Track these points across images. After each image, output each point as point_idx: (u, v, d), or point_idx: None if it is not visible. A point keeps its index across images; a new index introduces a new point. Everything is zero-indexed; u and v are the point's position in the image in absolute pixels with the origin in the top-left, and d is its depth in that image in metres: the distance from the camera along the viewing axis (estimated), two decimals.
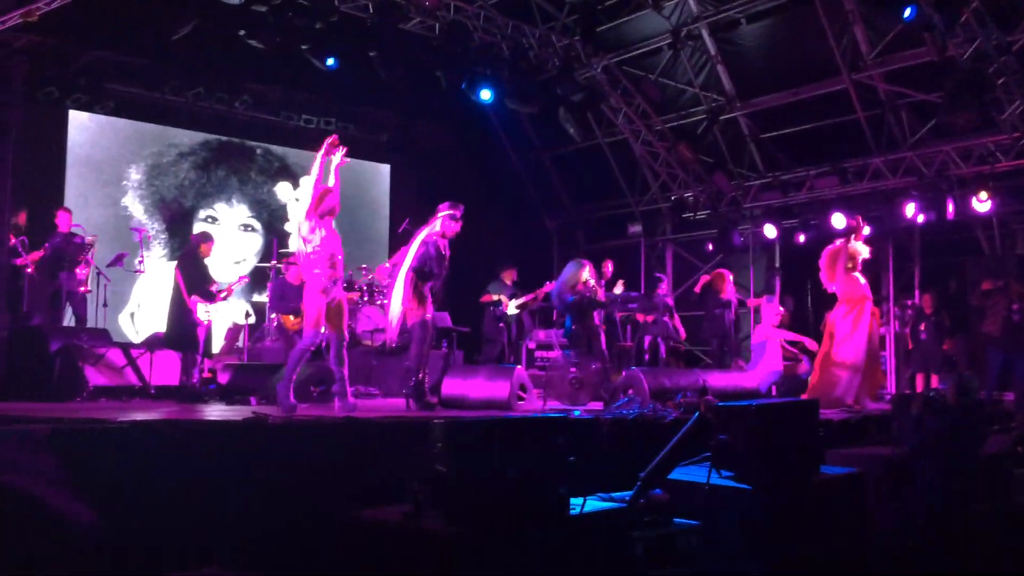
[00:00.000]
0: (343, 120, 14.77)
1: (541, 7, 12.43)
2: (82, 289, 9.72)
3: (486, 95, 11.76)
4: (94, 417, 5.03)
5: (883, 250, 11.60)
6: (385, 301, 10.37)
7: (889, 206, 11.65)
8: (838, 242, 9.11)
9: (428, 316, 7.01)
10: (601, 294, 8.97)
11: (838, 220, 11.69)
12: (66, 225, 9.78)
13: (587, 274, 8.74)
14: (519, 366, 8.69)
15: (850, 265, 8.85)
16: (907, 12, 9.22)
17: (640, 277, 14.71)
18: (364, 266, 11.21)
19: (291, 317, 9.45)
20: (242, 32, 9.94)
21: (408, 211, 13.75)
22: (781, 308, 10.70)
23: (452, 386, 7.40)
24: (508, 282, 10.84)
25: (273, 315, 9.92)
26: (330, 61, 10.63)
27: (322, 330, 6.31)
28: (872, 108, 11.74)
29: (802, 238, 12.41)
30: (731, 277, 11.15)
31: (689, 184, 13.96)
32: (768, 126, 12.95)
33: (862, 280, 8.93)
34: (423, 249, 7.03)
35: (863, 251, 9.13)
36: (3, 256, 8.63)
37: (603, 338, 8.74)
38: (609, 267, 11.32)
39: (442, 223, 7.11)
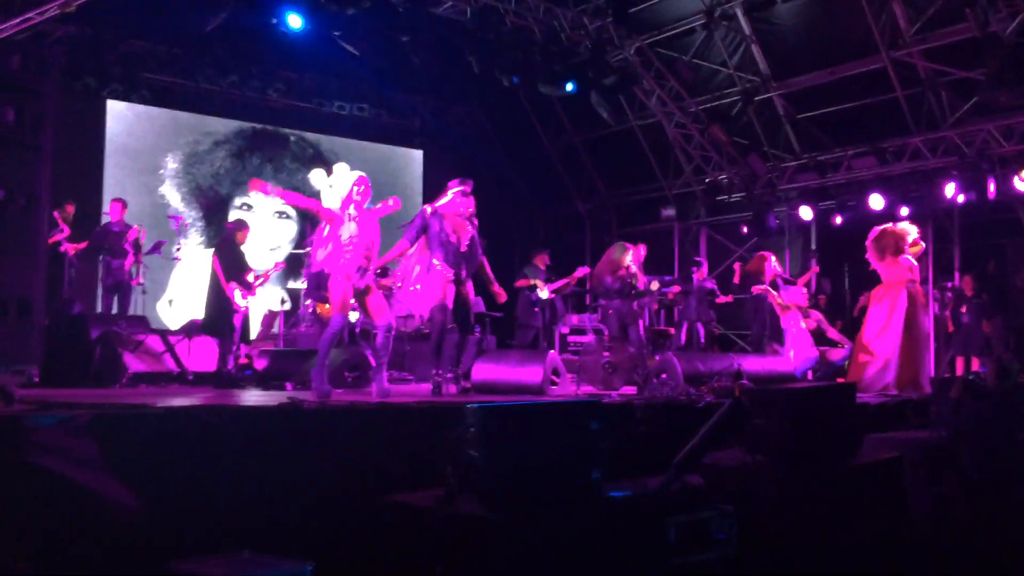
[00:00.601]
0: (375, 107, 14.84)
1: None
2: (134, 281, 9.85)
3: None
4: (134, 403, 5.11)
5: (923, 231, 11.38)
6: (418, 286, 10.45)
7: (929, 186, 11.46)
8: (890, 225, 9.02)
9: (436, 301, 6.79)
10: (641, 280, 8.88)
11: (876, 201, 11.52)
12: (117, 215, 9.89)
13: (629, 258, 8.66)
14: (552, 351, 8.68)
15: (898, 247, 8.72)
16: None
17: (674, 261, 14.61)
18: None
19: (326, 304, 9.51)
20: (274, 20, 9.98)
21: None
22: (804, 290, 10.48)
23: (485, 371, 7.41)
24: (542, 266, 10.81)
25: (308, 301, 10.00)
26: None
27: (353, 315, 6.30)
28: (911, 86, 11.52)
29: (839, 220, 12.24)
30: (773, 258, 10.98)
31: (723, 166, 13.82)
32: (804, 106, 12.76)
33: (911, 263, 8.80)
34: (415, 221, 6.96)
35: (912, 232, 9.00)
36: (44, 245, 8.76)
37: (640, 323, 8.67)
38: (642, 251, 11.24)
39: (451, 199, 6.94)
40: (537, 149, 15.92)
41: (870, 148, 12.01)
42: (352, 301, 6.38)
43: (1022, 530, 5.07)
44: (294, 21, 10.05)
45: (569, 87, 11.89)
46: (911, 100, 11.62)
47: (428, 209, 6.99)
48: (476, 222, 7.06)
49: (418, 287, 6.91)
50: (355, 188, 6.36)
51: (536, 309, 10.51)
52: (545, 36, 12.02)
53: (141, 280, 10.02)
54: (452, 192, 6.96)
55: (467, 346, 7.40)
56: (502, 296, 7.44)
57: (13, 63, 4.58)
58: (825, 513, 4.69)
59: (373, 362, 8.20)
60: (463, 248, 6.91)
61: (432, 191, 15.09)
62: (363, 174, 6.50)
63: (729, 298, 11.70)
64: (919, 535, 5.18)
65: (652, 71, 13.31)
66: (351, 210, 6.33)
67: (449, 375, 6.95)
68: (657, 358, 8.05)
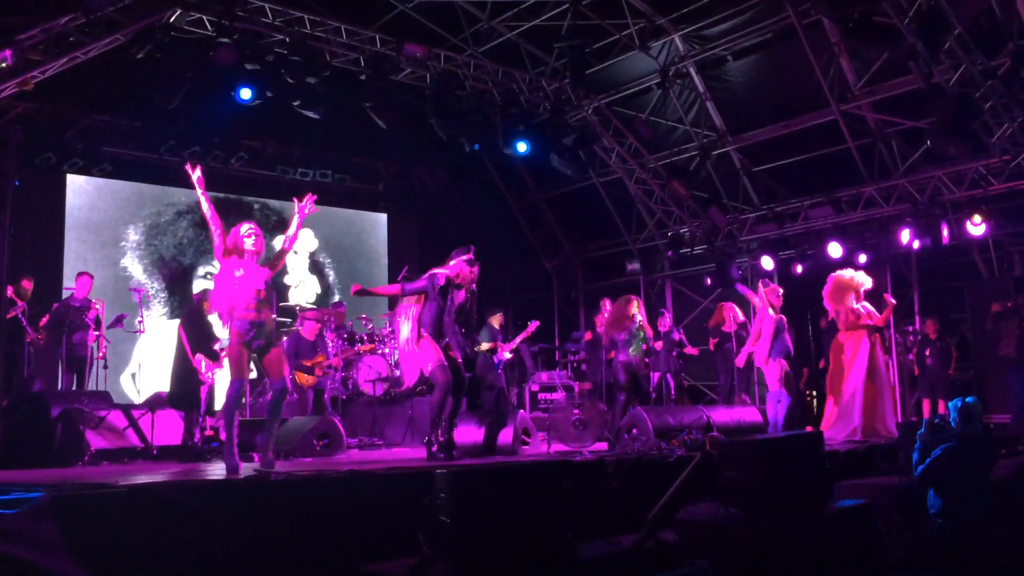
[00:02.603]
0: (338, 172, 14.92)
1: (530, 52, 12.60)
2: (98, 356, 9.65)
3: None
4: (96, 481, 5.00)
5: (881, 277, 11.60)
6: (386, 350, 10.40)
7: (884, 233, 11.69)
8: (843, 273, 9.14)
9: (435, 363, 6.71)
10: (648, 331, 8.87)
11: (834, 249, 11.73)
12: (84, 290, 9.74)
13: (636, 308, 8.62)
14: (522, 410, 8.65)
15: (852, 295, 8.87)
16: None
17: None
18: (363, 315, 11.22)
19: (302, 371, 9.36)
20: (231, 93, 10.07)
21: (407, 258, 13.85)
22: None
23: (455, 434, 7.35)
24: (496, 326, 10.83)
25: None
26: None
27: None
28: (862, 137, 11.84)
29: (799, 268, 12.43)
30: (734, 308, 11.09)
31: (685, 220, 14.03)
32: (760, 159, 13.05)
33: (868, 310, 8.94)
34: (424, 280, 6.89)
35: (866, 281, 9.15)
36: (2, 324, 8.62)
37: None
38: (607, 306, 11.33)
39: (457, 267, 6.93)
40: (501, 208, 16.07)
41: (826, 198, 12.27)
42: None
43: (994, 572, 5.09)
44: (245, 94, 10.15)
45: (523, 148, 12.09)
46: (863, 150, 11.93)
47: (442, 277, 6.87)
48: (475, 289, 7.09)
49: (413, 349, 6.81)
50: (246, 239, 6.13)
51: (499, 370, 10.49)
52: (504, 98, 12.23)
53: (104, 355, 9.86)
54: (456, 260, 6.97)
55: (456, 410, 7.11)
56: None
57: None
58: (801, 562, 4.68)
59: (343, 430, 8.14)
60: (451, 317, 6.86)
61: (397, 253, 15.22)
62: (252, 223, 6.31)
63: (695, 351, 11.77)
64: None
65: (611, 129, 13.56)
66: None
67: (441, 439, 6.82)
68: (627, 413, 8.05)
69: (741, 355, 9.59)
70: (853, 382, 8.63)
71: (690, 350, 11.67)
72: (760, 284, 9.44)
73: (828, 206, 12.26)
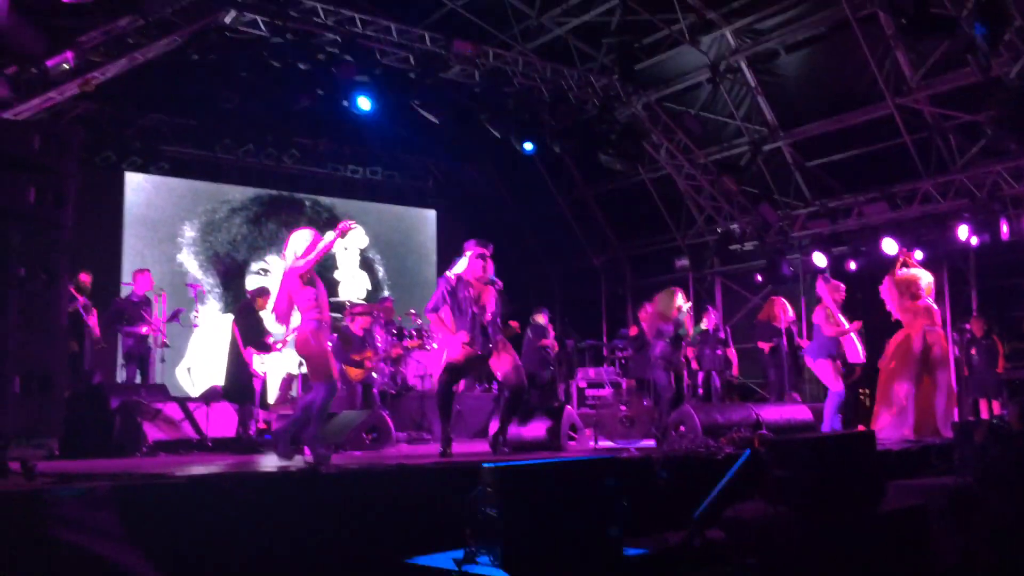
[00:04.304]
0: (388, 168, 15.09)
1: (579, 48, 12.58)
2: (158, 344, 9.87)
3: (528, 146, 11.97)
4: (153, 472, 5.14)
5: (938, 275, 11.37)
6: (435, 345, 10.48)
7: (941, 229, 11.45)
8: (900, 271, 8.95)
9: (453, 359, 6.64)
10: (689, 326, 8.68)
11: (889, 246, 11.51)
12: (143, 287, 9.97)
13: (681, 299, 8.30)
14: (569, 405, 8.66)
15: (910, 293, 8.68)
16: None
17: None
18: (412, 311, 11.32)
19: (351, 365, 9.48)
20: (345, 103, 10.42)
21: (456, 255, 13.90)
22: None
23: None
24: (542, 323, 10.84)
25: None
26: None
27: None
28: (919, 131, 11.59)
29: (853, 265, 12.22)
30: (784, 303, 10.92)
31: (735, 216, 13.88)
32: (813, 154, 12.85)
33: (926, 305, 8.73)
34: (439, 288, 6.78)
35: (922, 276, 8.92)
36: (64, 319, 8.86)
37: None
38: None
39: (469, 263, 6.74)
40: (550, 205, 16.07)
41: (881, 193, 12.05)
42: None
43: None
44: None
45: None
46: (919, 144, 11.68)
47: (452, 277, 6.73)
48: (500, 284, 6.79)
49: (435, 346, 6.90)
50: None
51: (551, 367, 10.51)
52: (553, 95, 12.23)
53: (166, 342, 10.06)
54: (468, 255, 6.78)
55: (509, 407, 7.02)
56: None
57: (34, 143, 4.72)
58: (850, 563, 4.62)
59: (392, 424, 8.23)
60: (486, 318, 6.66)
61: (446, 249, 15.31)
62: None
63: (734, 355, 11.56)
64: None
65: (660, 125, 13.47)
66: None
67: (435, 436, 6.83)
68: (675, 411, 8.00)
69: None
70: (905, 383, 8.46)
71: (731, 353, 11.47)
72: (820, 280, 9.25)
73: (883, 202, 12.04)
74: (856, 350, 9.03)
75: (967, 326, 11.32)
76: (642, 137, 13.14)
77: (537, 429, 7.22)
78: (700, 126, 12.95)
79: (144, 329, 9.63)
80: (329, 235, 6.41)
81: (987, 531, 5.34)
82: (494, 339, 6.71)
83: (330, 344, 6.45)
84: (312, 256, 6.25)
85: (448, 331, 6.67)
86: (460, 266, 6.79)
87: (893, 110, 11.44)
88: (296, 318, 6.32)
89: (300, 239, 6.37)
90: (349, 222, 6.45)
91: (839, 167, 12.70)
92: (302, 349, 6.27)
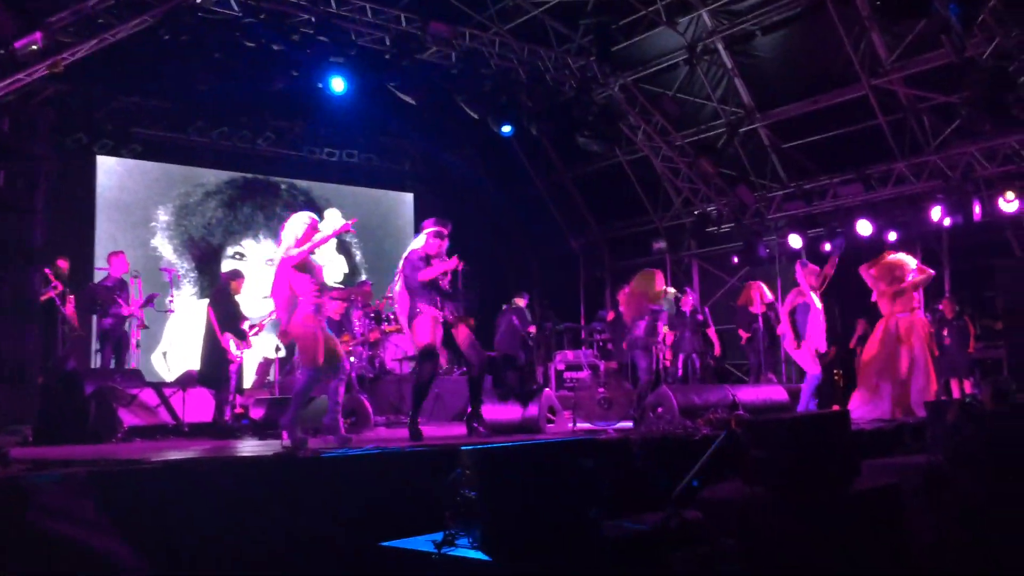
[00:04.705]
0: (365, 151, 14.98)
1: (556, 29, 12.52)
2: (136, 326, 9.79)
3: (506, 128, 11.94)
4: (130, 458, 5.10)
5: (911, 255, 11.46)
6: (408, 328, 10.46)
7: (915, 211, 11.56)
8: (889, 255, 9.03)
9: (426, 340, 6.68)
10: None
11: (864, 227, 11.60)
12: (118, 269, 9.86)
13: (664, 281, 8.54)
14: (547, 388, 8.68)
15: (893, 276, 8.74)
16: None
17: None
18: (390, 295, 11.28)
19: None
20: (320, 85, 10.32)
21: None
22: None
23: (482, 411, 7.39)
24: (522, 306, 10.86)
25: None
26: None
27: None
28: (893, 113, 11.67)
29: (828, 247, 12.30)
30: (762, 287, 10.98)
31: (712, 198, 13.93)
32: (789, 136, 12.90)
33: (904, 289, 8.79)
34: (403, 267, 6.86)
35: (908, 262, 8.96)
36: (38, 305, 8.76)
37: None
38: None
39: (425, 240, 6.86)
40: (527, 187, 16.05)
41: (855, 175, 12.13)
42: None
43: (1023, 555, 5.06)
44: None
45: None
46: (893, 126, 11.76)
47: (412, 255, 6.86)
48: (460, 264, 6.84)
49: (409, 329, 6.90)
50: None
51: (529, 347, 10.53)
52: (530, 77, 12.18)
53: (145, 323, 9.98)
54: (425, 233, 6.91)
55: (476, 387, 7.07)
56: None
57: (3, 125, 4.64)
58: (826, 541, 4.67)
59: (370, 408, 8.22)
60: (445, 287, 6.83)
61: None
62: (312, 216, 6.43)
63: (715, 337, 11.63)
64: (919, 561, 5.17)
65: (637, 107, 13.47)
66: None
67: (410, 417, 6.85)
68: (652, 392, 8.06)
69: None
70: (878, 365, 8.55)
71: (712, 333, 11.54)
72: (798, 265, 9.31)
73: (857, 183, 12.12)
74: (823, 339, 9.09)
75: (939, 307, 11.44)
76: (619, 119, 13.14)
77: (515, 411, 7.24)
78: (677, 108, 12.95)
79: (124, 310, 9.56)
80: (327, 229, 6.39)
81: (957, 510, 5.42)
82: (456, 308, 6.85)
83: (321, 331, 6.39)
84: (306, 248, 6.23)
85: (409, 310, 6.78)
86: (418, 242, 6.91)
87: (868, 91, 11.51)
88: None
89: (298, 223, 6.33)
90: (349, 224, 6.53)
91: (815, 148, 12.76)
92: (295, 329, 6.24)
